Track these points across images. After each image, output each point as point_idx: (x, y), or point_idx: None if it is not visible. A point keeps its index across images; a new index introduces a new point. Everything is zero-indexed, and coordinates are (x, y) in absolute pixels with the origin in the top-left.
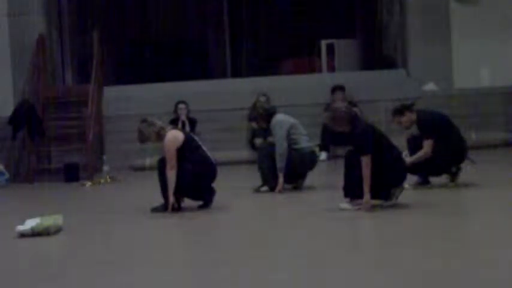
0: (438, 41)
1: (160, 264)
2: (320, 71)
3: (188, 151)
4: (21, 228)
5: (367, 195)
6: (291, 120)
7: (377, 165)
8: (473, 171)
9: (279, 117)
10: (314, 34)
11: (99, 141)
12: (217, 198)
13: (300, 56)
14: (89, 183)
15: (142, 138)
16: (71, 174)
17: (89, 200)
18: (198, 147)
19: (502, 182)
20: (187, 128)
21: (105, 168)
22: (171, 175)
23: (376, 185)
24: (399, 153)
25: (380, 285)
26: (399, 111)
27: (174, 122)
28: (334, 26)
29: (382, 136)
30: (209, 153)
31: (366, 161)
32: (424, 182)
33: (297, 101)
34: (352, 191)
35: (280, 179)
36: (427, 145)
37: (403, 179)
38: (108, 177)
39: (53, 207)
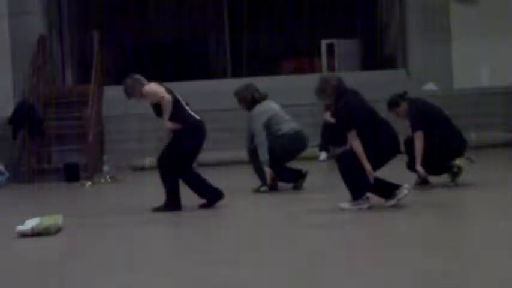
0: (438, 41)
1: (160, 264)
2: (320, 71)
3: (177, 109)
4: (21, 228)
5: (367, 166)
6: (270, 112)
7: (370, 141)
8: (473, 171)
9: (258, 110)
10: (314, 34)
11: (99, 141)
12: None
13: (300, 56)
14: (89, 183)
15: (128, 91)
16: (71, 174)
17: (89, 200)
18: (183, 106)
19: (502, 182)
20: None
21: (105, 168)
22: (169, 124)
23: (375, 163)
24: (392, 129)
25: (380, 285)
26: (395, 103)
27: None
28: (334, 26)
29: (374, 113)
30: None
31: (351, 136)
32: (424, 182)
33: (297, 101)
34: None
35: (267, 169)
36: (418, 137)
37: (397, 150)
38: (108, 177)
39: (53, 207)
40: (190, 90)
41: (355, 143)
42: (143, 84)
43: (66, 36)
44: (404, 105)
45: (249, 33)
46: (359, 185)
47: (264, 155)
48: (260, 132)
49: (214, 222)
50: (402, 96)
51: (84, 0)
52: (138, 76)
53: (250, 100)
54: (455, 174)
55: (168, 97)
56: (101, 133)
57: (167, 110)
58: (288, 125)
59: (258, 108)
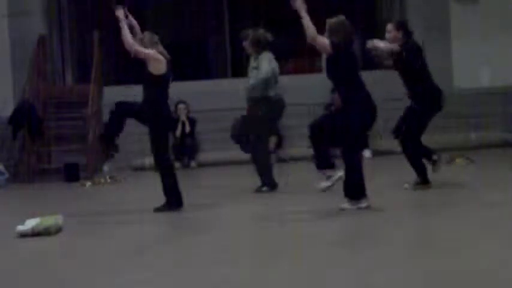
0: (438, 41)
1: (160, 264)
2: (320, 71)
3: (163, 86)
4: (21, 228)
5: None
6: (275, 66)
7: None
8: (472, 171)
9: (270, 56)
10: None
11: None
12: (216, 198)
13: (300, 56)
14: (89, 183)
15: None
16: (71, 174)
17: (89, 200)
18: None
19: (501, 182)
20: (187, 128)
21: (105, 168)
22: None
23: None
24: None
25: (380, 285)
26: (397, 24)
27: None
28: None
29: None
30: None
31: (320, 39)
32: (424, 182)
33: (296, 101)
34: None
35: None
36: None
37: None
38: (108, 177)
39: (53, 207)
40: (190, 90)
41: (310, 30)
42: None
43: (66, 36)
44: (399, 34)
45: None
46: (358, 185)
47: (257, 82)
48: (268, 72)
49: (214, 222)
50: (407, 28)
51: (84, 0)
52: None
53: (263, 42)
54: (435, 162)
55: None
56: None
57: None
58: (275, 90)
59: (270, 55)
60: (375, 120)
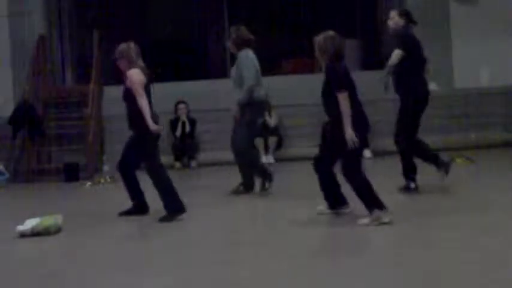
0: (438, 41)
1: (160, 264)
2: (320, 70)
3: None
4: (21, 228)
5: (348, 130)
6: (257, 65)
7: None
8: (472, 171)
9: (251, 54)
10: (314, 34)
11: (99, 141)
12: (216, 198)
13: (300, 56)
14: (89, 183)
15: (120, 55)
16: (71, 174)
17: (89, 200)
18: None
19: (501, 182)
20: (188, 128)
21: (105, 168)
22: (144, 103)
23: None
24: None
25: (380, 285)
26: (401, 11)
27: (174, 122)
28: (334, 26)
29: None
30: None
31: (342, 97)
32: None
33: (297, 101)
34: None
35: (235, 108)
36: (395, 54)
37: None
38: (108, 177)
39: (53, 207)
40: (190, 90)
41: (344, 102)
42: (133, 63)
43: (66, 36)
44: (401, 22)
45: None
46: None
47: (244, 97)
48: (252, 75)
49: (214, 222)
50: (410, 17)
51: (84, 0)
52: (136, 50)
53: (245, 40)
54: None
55: (140, 88)
56: (100, 133)
57: (137, 91)
58: (258, 91)
59: (251, 54)
60: (366, 139)
